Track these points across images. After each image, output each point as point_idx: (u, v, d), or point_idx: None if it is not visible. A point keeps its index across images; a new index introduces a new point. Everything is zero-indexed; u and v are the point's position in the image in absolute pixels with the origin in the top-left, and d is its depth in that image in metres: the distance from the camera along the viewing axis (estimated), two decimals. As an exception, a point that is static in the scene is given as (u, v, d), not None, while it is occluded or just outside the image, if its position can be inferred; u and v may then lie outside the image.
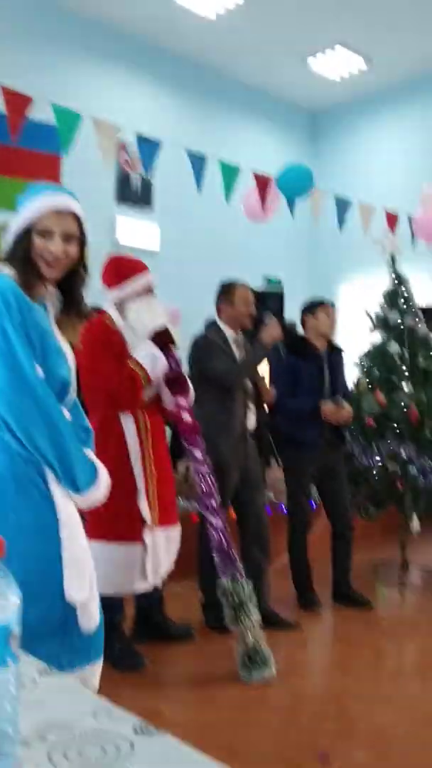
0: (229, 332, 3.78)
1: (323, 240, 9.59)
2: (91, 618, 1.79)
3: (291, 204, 4.91)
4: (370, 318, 4.84)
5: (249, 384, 3.83)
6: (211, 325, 3.89)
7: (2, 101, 3.68)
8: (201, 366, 3.68)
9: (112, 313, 3.17)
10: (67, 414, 1.88)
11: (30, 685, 1.28)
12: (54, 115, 3.74)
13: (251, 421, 3.81)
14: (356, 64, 8.68)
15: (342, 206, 5.22)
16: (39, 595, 1.70)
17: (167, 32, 8.02)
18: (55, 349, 1.86)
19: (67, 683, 1.30)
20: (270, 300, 7.27)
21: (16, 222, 1.84)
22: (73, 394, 1.94)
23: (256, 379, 3.95)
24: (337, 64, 8.73)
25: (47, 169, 7.43)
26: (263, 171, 4.95)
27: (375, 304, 4.88)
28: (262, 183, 4.79)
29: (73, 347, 2.00)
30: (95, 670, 1.84)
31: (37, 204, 1.84)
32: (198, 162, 4.44)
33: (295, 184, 4.79)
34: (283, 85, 9.35)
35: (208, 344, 3.72)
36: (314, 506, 4.41)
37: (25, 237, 1.83)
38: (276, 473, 5.68)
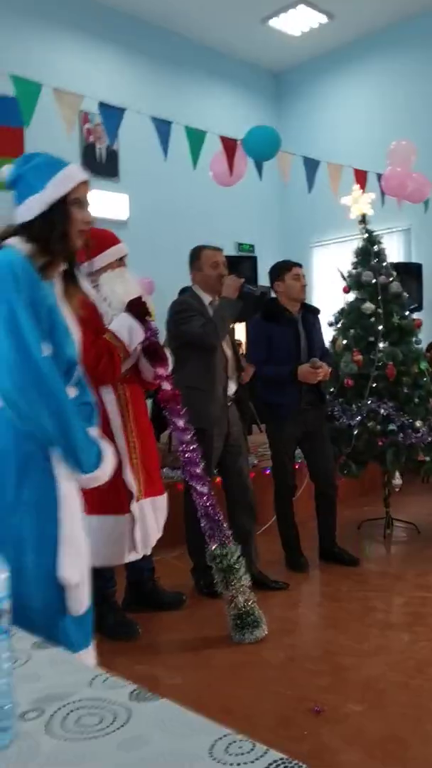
0: (204, 296, 3.76)
1: (294, 202, 9.55)
2: (80, 602, 1.78)
3: (259, 167, 4.86)
4: (344, 277, 4.84)
5: (228, 350, 3.82)
6: (186, 291, 3.87)
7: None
8: (178, 330, 3.66)
9: (85, 286, 3.13)
10: (73, 391, 1.86)
11: (24, 658, 1.29)
12: (13, 86, 3.65)
13: (232, 388, 3.82)
14: (317, 19, 8.55)
15: (310, 167, 5.18)
16: (34, 573, 1.71)
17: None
18: (62, 327, 1.85)
19: (61, 655, 1.32)
20: (243, 265, 7.24)
21: (42, 195, 1.79)
22: (79, 370, 1.92)
23: (234, 346, 3.94)
24: (298, 21, 8.60)
25: (9, 143, 7.26)
26: (228, 134, 4.89)
27: (348, 263, 4.87)
28: (229, 146, 4.73)
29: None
30: (84, 657, 1.80)
31: (69, 174, 1.83)
32: (163, 128, 4.37)
33: (262, 146, 4.74)
34: (245, 45, 9.21)
35: (183, 308, 3.69)
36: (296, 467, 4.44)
37: (60, 208, 1.81)
38: (259, 438, 5.72)
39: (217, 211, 8.74)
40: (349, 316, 4.73)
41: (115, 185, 8.21)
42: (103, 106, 4.12)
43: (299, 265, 4.21)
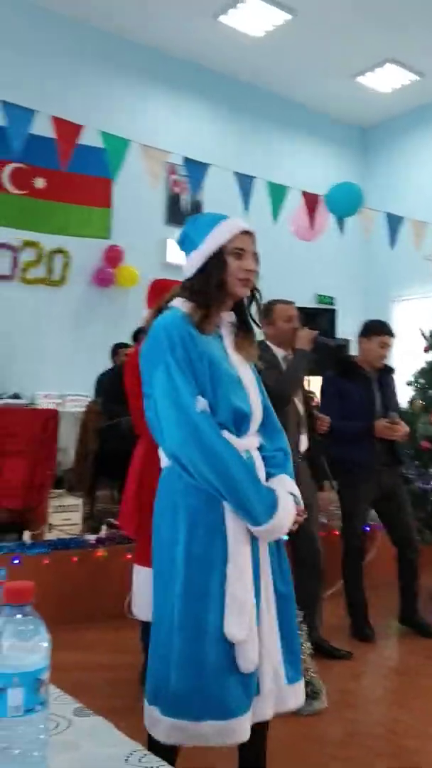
0: (278, 351, 3.73)
1: (376, 256, 9.46)
2: (249, 660, 1.75)
3: (341, 222, 4.85)
4: (425, 336, 4.72)
5: (301, 406, 3.75)
6: (259, 345, 3.85)
7: (53, 130, 3.74)
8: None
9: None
10: (255, 440, 1.88)
11: (65, 725, 1.25)
12: (103, 142, 3.78)
13: (303, 444, 3.74)
14: (407, 77, 8.58)
15: (393, 223, 5.13)
16: (202, 629, 1.72)
17: (213, 52, 8.09)
18: (229, 378, 1.86)
19: (101, 725, 1.27)
20: (321, 318, 7.18)
21: (202, 250, 1.87)
22: (258, 419, 1.93)
23: (307, 400, 3.87)
24: (387, 79, 8.65)
25: (99, 193, 7.54)
26: (312, 188, 4.92)
27: (430, 321, 4.76)
28: (311, 202, 4.74)
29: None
30: (242, 723, 1.75)
31: (227, 226, 1.90)
32: (245, 182, 4.43)
33: (345, 203, 4.73)
34: (332, 100, 9.31)
35: (262, 361, 3.66)
36: (368, 530, 4.29)
37: (217, 260, 1.87)
38: (329, 497, 5.57)
39: (297, 263, 8.74)
40: (428, 376, 4.60)
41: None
42: (188, 161, 4.21)
43: (391, 334, 4.08)
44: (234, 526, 1.78)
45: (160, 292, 3.25)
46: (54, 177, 7.01)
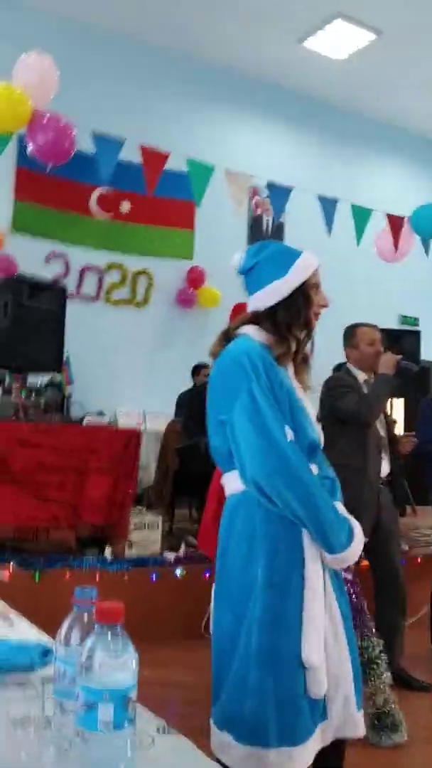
0: (360, 374, 3.70)
1: (462, 277, 9.24)
2: (320, 685, 1.76)
3: (426, 244, 4.78)
4: None
5: (382, 430, 3.70)
6: (340, 368, 3.83)
7: (139, 156, 3.86)
8: (332, 406, 3.61)
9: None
10: (314, 469, 1.90)
11: (148, 741, 1.28)
12: (187, 168, 3.87)
13: (385, 469, 3.68)
14: None
15: None
16: (277, 654, 1.74)
17: (296, 75, 8.15)
18: (300, 408, 1.89)
19: (183, 744, 1.29)
20: (405, 339, 7.07)
21: (287, 281, 1.90)
22: (320, 448, 1.97)
23: (389, 424, 3.82)
24: None
25: (182, 215, 7.70)
26: (397, 209, 4.87)
27: None
28: (396, 224, 4.70)
29: None
30: (310, 746, 1.76)
31: (310, 261, 1.94)
32: (328, 205, 4.43)
33: (430, 225, 4.66)
34: (418, 119, 9.20)
35: (339, 383, 3.65)
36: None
37: (302, 293, 1.91)
38: (411, 522, 5.45)
39: (380, 283, 8.65)
40: None
41: (279, 257, 8.39)
42: (272, 185, 4.25)
43: None
44: (311, 553, 1.79)
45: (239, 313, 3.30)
46: (139, 200, 7.19)
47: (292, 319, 1.89)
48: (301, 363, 2.00)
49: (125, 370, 7.39)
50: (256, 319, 1.93)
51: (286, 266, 1.90)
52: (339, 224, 4.66)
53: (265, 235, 8.30)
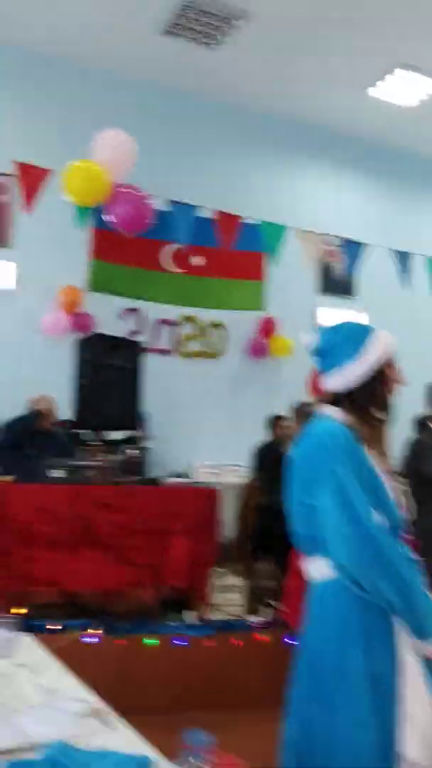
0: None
1: None
2: None
3: None
4: None
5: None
6: (423, 426, 3.74)
7: (213, 217, 3.91)
8: (419, 470, 3.52)
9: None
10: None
11: None
12: (262, 228, 3.91)
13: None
14: None
15: None
16: (369, 747, 1.68)
17: (367, 124, 8.16)
18: (384, 488, 1.87)
19: None
20: None
21: (363, 364, 1.89)
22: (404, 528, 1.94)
23: None
24: None
25: (254, 267, 7.75)
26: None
27: None
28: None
29: None
30: None
31: (384, 340, 1.94)
32: (402, 259, 4.39)
33: None
34: None
35: (423, 447, 3.56)
36: None
37: (379, 376, 1.91)
38: None
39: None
40: None
41: (350, 303, 8.33)
42: (345, 241, 4.24)
43: None
44: (404, 641, 1.73)
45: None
46: (211, 254, 7.27)
47: (368, 401, 1.88)
48: (380, 441, 1.95)
49: (201, 422, 7.42)
50: (335, 398, 1.92)
51: (360, 348, 1.89)
52: (412, 274, 4.59)
53: (337, 284, 8.26)
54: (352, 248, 4.20)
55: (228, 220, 3.72)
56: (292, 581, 2.81)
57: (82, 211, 3.57)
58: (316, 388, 3.31)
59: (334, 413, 1.88)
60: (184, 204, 3.69)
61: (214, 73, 7.25)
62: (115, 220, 3.67)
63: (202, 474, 7.23)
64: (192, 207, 3.71)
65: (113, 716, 1.45)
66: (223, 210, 3.73)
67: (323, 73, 7.19)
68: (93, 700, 1.55)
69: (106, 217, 3.74)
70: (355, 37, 6.53)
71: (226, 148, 7.87)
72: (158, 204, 3.83)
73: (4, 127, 6.83)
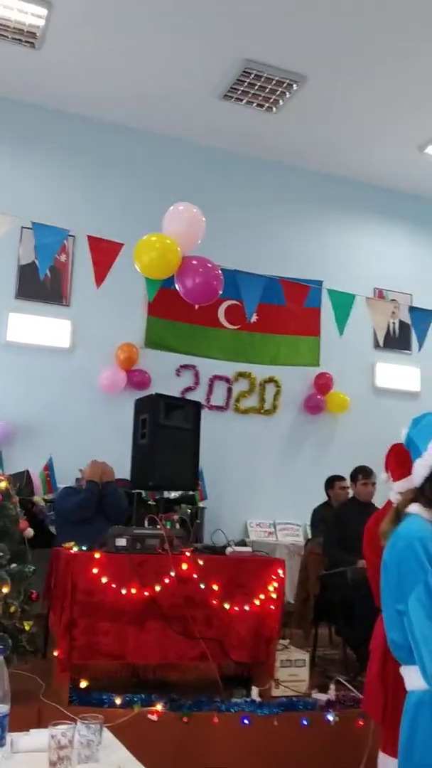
0: None
1: None
2: None
3: None
4: None
5: None
6: None
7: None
8: None
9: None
10: None
11: None
12: (330, 299, 3.90)
13: None
14: None
15: None
16: None
17: (417, 181, 8.17)
18: None
19: None
20: None
21: (425, 459, 1.88)
22: None
23: None
24: None
25: (308, 322, 7.73)
26: None
27: None
28: None
29: None
30: None
31: None
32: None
33: None
34: None
35: None
36: None
37: None
38: None
39: None
40: None
41: (408, 358, 8.24)
42: (413, 309, 4.21)
43: None
44: None
45: (401, 457, 3.19)
46: (266, 310, 7.28)
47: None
48: None
49: (254, 480, 7.35)
50: (415, 493, 1.90)
51: (426, 441, 1.86)
52: None
53: (392, 339, 8.19)
54: (420, 315, 4.15)
55: (295, 287, 3.73)
56: (371, 671, 2.70)
57: (152, 283, 3.62)
58: (389, 465, 3.23)
59: (418, 510, 1.86)
60: (251, 274, 3.70)
61: (272, 135, 7.37)
62: (184, 292, 3.70)
63: (256, 532, 7.13)
64: (259, 277, 3.72)
65: None
66: (284, 276, 3.74)
67: (379, 132, 7.25)
68: None
69: (177, 287, 3.78)
70: (410, 96, 6.59)
71: (283, 210, 7.94)
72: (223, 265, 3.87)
73: (66, 194, 7.01)
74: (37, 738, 1.99)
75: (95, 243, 3.86)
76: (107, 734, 2.08)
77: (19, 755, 1.91)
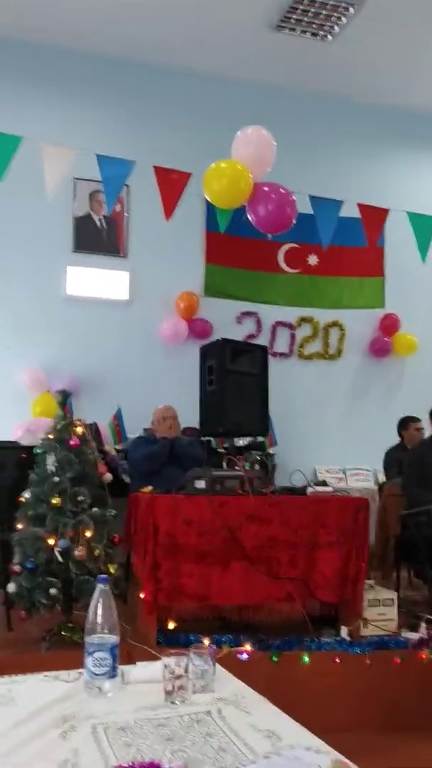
0: None
1: None
2: None
3: None
4: None
5: None
6: None
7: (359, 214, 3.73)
8: None
9: None
10: None
11: None
12: (411, 224, 3.70)
13: None
14: None
15: None
16: None
17: None
18: None
19: None
20: None
21: None
22: None
23: None
24: None
25: (371, 263, 7.49)
26: None
27: None
28: None
29: None
30: None
31: None
32: None
33: None
34: None
35: None
36: None
37: None
38: None
39: None
40: None
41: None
42: None
43: None
44: None
45: None
46: (326, 252, 7.06)
47: None
48: None
49: (321, 425, 7.22)
50: None
51: None
52: None
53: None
54: None
55: (374, 214, 3.53)
56: None
57: (223, 213, 3.48)
58: None
59: None
60: (327, 200, 3.51)
61: (325, 65, 7.04)
62: (256, 221, 3.54)
63: (326, 479, 7.01)
64: (336, 203, 3.52)
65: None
66: (366, 203, 3.55)
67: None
68: (328, 749, 1.40)
69: (250, 218, 3.61)
70: None
71: (341, 143, 7.63)
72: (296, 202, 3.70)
73: (125, 136, 6.82)
74: (148, 669, 1.94)
75: (163, 174, 3.73)
76: (219, 667, 2.01)
77: (132, 686, 1.85)
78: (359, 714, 3.54)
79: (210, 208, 6.19)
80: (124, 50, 6.88)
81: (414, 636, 3.80)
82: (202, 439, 5.53)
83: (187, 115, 7.14)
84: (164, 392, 6.07)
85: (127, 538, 4.01)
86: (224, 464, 4.23)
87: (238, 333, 7.04)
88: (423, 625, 3.89)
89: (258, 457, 5.42)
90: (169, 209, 3.67)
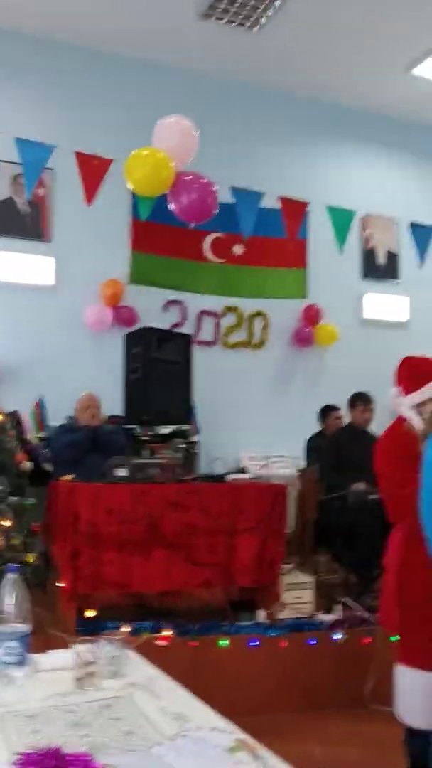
0: None
1: None
2: None
3: None
4: None
5: None
6: None
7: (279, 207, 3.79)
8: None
9: (412, 418, 3.01)
10: None
11: None
12: (330, 216, 3.78)
13: None
14: None
15: None
16: None
17: (407, 104, 7.95)
18: None
19: None
20: None
21: None
22: None
23: None
24: None
25: (294, 254, 7.61)
26: None
27: None
28: None
29: None
30: None
31: None
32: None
33: None
34: None
35: None
36: None
37: None
38: None
39: None
40: None
41: (396, 288, 8.14)
42: (414, 225, 4.09)
43: None
44: None
45: (413, 370, 3.13)
46: (251, 243, 7.12)
47: None
48: None
49: (245, 413, 7.30)
50: None
51: None
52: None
53: (379, 268, 8.07)
54: (420, 232, 4.05)
55: (295, 207, 3.59)
56: (386, 586, 2.69)
57: (144, 201, 3.48)
58: (401, 379, 3.15)
59: None
60: (248, 192, 3.56)
61: (253, 56, 7.08)
62: (178, 209, 3.56)
63: (250, 465, 7.12)
64: (257, 194, 3.57)
65: (264, 749, 1.34)
66: (290, 195, 3.60)
67: (364, 54, 6.98)
68: (233, 729, 1.45)
69: (170, 207, 3.63)
70: (399, 18, 6.33)
71: (268, 135, 7.68)
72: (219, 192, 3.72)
73: (48, 120, 6.68)
74: (59, 657, 1.95)
75: (84, 159, 3.69)
76: (132, 653, 2.04)
77: (42, 674, 1.86)
78: (277, 695, 3.65)
79: (135, 196, 6.16)
80: (48, 32, 6.74)
81: (329, 618, 3.93)
82: (126, 427, 5.52)
83: (114, 101, 7.06)
84: (89, 380, 6.02)
85: (46, 529, 3.99)
86: (146, 452, 4.25)
87: (163, 321, 7.03)
88: (339, 607, 4.03)
89: (181, 445, 5.47)
90: (90, 194, 3.64)
